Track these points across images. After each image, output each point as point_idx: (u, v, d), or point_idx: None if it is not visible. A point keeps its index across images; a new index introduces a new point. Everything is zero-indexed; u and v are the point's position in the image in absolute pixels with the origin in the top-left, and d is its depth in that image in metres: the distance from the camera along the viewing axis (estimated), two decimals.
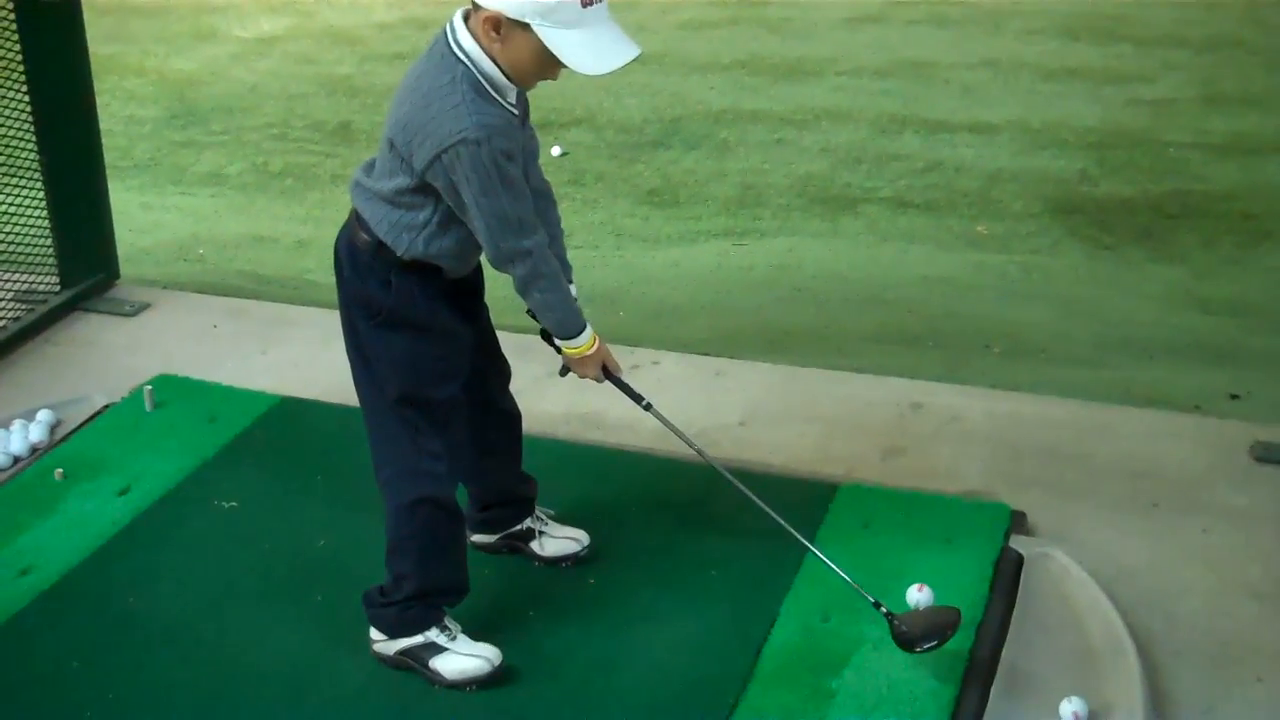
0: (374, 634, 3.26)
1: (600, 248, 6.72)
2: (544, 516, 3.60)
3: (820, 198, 7.22)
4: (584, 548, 3.58)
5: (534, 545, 3.57)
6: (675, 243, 6.81)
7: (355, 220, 3.05)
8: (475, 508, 3.54)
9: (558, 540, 3.56)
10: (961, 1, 10.37)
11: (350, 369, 3.19)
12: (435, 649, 3.18)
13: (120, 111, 8.61)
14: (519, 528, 3.58)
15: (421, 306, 3.06)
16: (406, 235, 2.98)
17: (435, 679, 3.18)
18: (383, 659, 3.25)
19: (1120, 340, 5.42)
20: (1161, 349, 5.30)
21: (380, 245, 3.00)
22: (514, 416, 3.49)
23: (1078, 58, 9.13)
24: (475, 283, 3.24)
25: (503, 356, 3.42)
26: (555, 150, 7.73)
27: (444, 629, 3.20)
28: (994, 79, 8.86)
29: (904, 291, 6.00)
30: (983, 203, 7.08)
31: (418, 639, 3.20)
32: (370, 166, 3.06)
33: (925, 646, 3.09)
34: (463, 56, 2.82)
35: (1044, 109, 8.26)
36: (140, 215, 6.99)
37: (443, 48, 2.85)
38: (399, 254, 2.99)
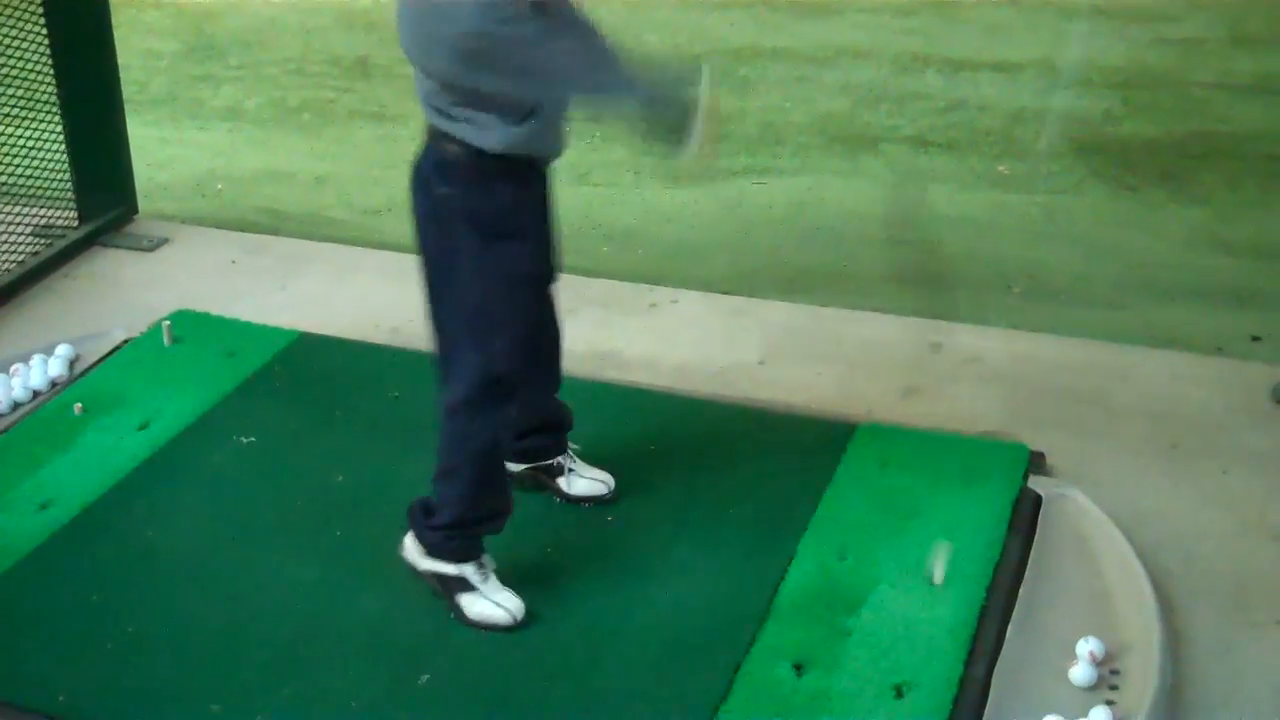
0: (409, 542, 3.24)
1: (618, 185, 6.67)
2: (573, 454, 3.58)
3: (840, 136, 7.16)
4: (610, 490, 3.57)
5: (561, 481, 3.55)
6: (694, 180, 6.77)
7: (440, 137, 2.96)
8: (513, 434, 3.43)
9: (585, 480, 3.55)
10: None
11: (428, 294, 3.10)
12: (466, 585, 3.18)
13: (138, 45, 8.55)
14: (551, 462, 3.55)
15: (524, 209, 3.01)
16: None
17: (454, 611, 3.19)
18: (410, 566, 3.24)
19: (1142, 281, 5.39)
20: (1183, 290, 5.26)
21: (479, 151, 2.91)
22: (559, 331, 3.37)
23: None
24: (548, 178, 3.13)
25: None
26: None
27: (480, 566, 3.19)
28: (1018, 17, 8.76)
29: (924, 231, 5.96)
30: (1005, 142, 7.02)
31: (452, 569, 3.20)
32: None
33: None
34: None
35: (1068, 48, 8.17)
36: (157, 150, 6.96)
37: None
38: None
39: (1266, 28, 8.40)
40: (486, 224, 2.97)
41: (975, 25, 8.67)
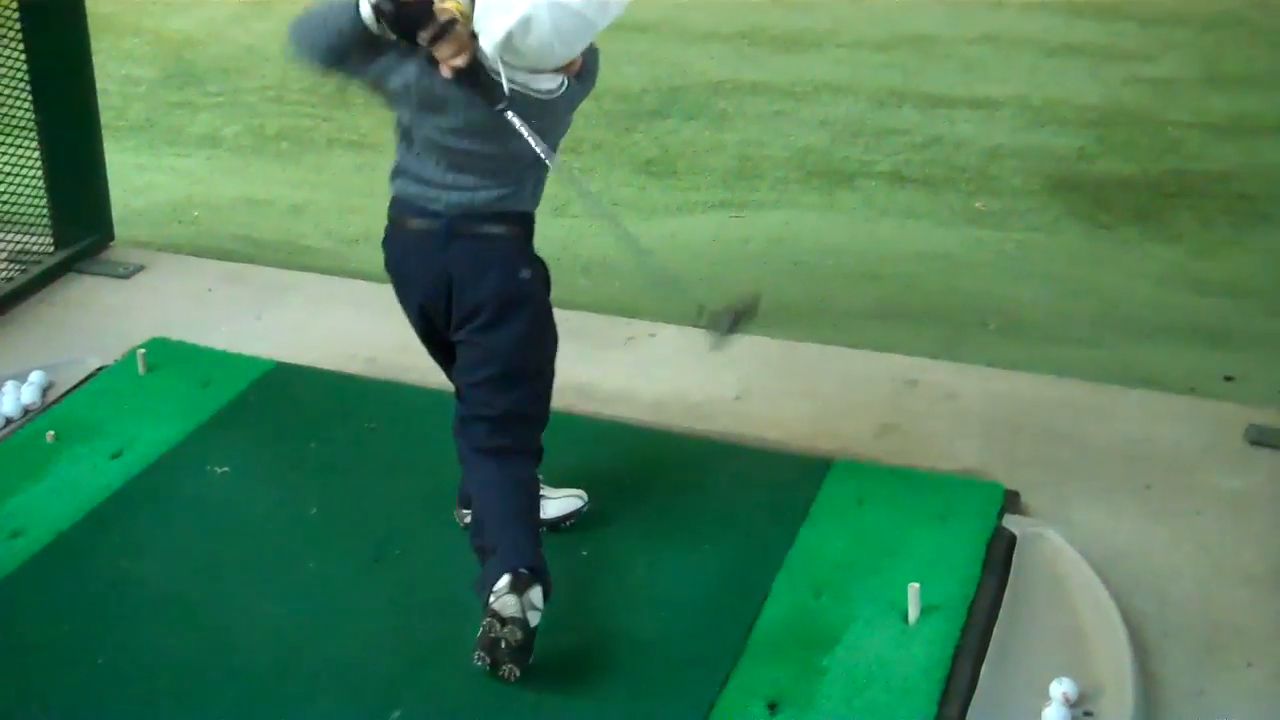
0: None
1: (596, 217, 6.69)
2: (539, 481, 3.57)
3: (818, 171, 7.18)
4: (586, 503, 3.58)
5: None
6: (672, 213, 6.78)
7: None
8: None
9: (558, 500, 3.54)
10: None
11: (514, 352, 3.20)
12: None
13: (116, 71, 8.54)
14: None
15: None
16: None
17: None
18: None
19: (1117, 320, 5.41)
20: (1158, 329, 5.29)
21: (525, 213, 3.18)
22: None
23: (1080, 35, 9.07)
24: None
25: None
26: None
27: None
28: (995, 54, 8.82)
29: (901, 267, 5.98)
30: (981, 179, 7.05)
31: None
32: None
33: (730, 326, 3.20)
34: None
35: (1045, 86, 8.22)
36: (135, 176, 6.95)
37: None
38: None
39: (1240, 68, 8.47)
40: (549, 284, 3.28)
41: (953, 61, 8.72)
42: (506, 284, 3.12)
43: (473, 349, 3.18)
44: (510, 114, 2.94)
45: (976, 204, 6.78)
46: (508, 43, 2.89)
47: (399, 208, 3.17)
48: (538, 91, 3.01)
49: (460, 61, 2.91)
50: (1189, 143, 7.40)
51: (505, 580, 2.99)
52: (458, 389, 3.29)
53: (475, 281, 3.10)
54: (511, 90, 2.96)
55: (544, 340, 3.26)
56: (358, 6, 2.90)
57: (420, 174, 3.09)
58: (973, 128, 7.65)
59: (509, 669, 2.98)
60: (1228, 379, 4.59)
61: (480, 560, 3.15)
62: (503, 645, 2.96)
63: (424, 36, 2.87)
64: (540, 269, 3.23)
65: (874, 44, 8.99)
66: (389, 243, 3.22)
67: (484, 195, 3.08)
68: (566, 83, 3.06)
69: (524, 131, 2.94)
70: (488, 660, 2.96)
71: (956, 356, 4.56)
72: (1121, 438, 3.99)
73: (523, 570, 3.02)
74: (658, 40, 8.89)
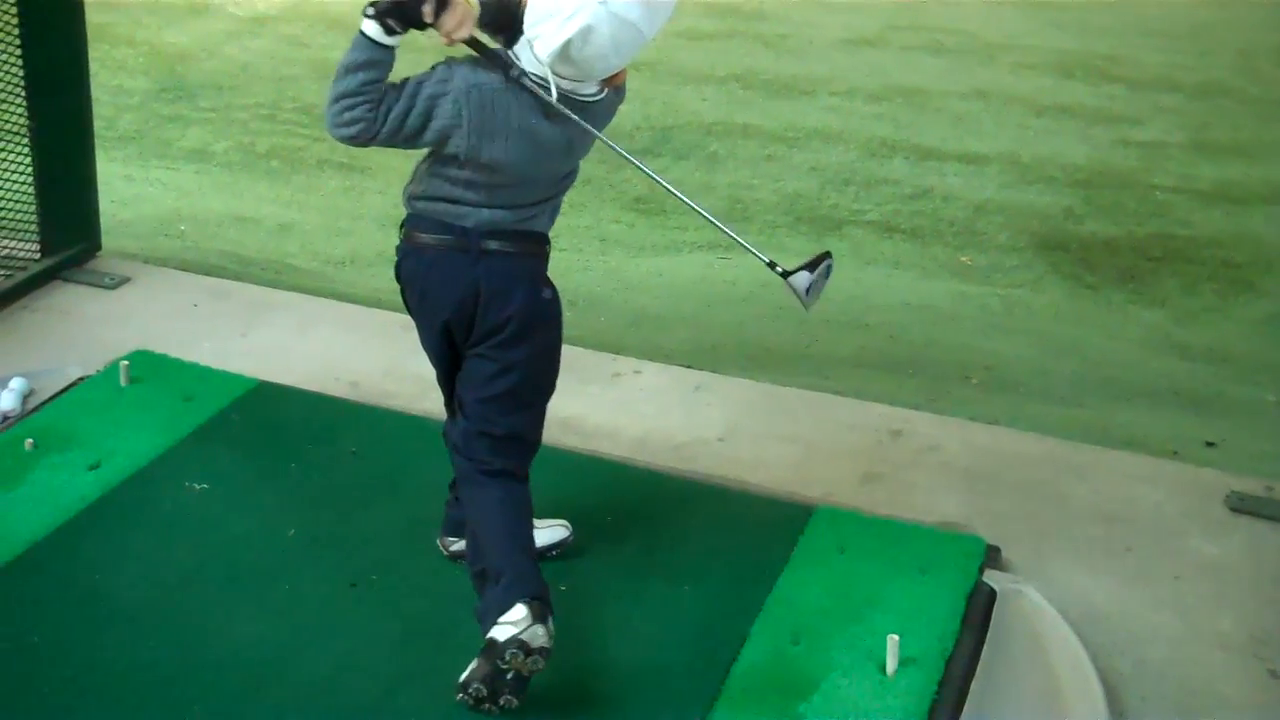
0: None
1: (584, 252, 6.70)
2: None
3: (807, 217, 7.22)
4: (571, 533, 3.57)
5: None
6: (660, 252, 6.80)
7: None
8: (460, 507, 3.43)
9: (544, 531, 3.51)
10: (958, 31, 10.40)
11: (529, 369, 3.21)
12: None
13: (109, 81, 8.54)
14: None
15: None
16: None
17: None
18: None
19: (1099, 380, 5.44)
20: (1139, 392, 5.31)
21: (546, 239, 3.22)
22: None
23: (1070, 95, 9.17)
24: None
25: None
26: None
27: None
28: (985, 111, 8.90)
29: (886, 316, 6.00)
30: (968, 233, 7.10)
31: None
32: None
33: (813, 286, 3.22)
34: None
35: (1034, 144, 8.29)
36: (123, 187, 6.93)
37: None
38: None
39: (1228, 135, 8.56)
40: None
41: (944, 115, 8.79)
42: (532, 301, 3.14)
43: (488, 362, 3.17)
44: (540, 88, 2.97)
45: (963, 258, 6.82)
46: (564, 52, 2.91)
47: (420, 225, 3.14)
48: (582, 95, 3.04)
49: (463, 33, 2.93)
50: (1175, 207, 7.47)
51: (524, 611, 2.96)
52: (461, 404, 3.26)
53: (503, 297, 3.11)
54: (563, 95, 2.99)
55: (554, 362, 3.28)
56: (363, 34, 2.91)
57: (449, 194, 3.08)
58: (961, 182, 7.71)
59: (509, 699, 2.96)
60: (1209, 444, 4.60)
61: (478, 587, 3.13)
62: (510, 675, 2.93)
63: (427, 12, 2.88)
64: (556, 292, 3.25)
65: (867, 94, 9.06)
66: (407, 260, 3.19)
67: (511, 215, 3.10)
68: (604, 92, 3.09)
69: (566, 112, 2.99)
70: (484, 692, 2.93)
71: (939, 409, 4.56)
72: (1102, 498, 4.00)
73: (536, 599, 3.00)
74: (652, 79, 8.93)
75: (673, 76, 9.17)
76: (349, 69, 2.91)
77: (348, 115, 2.93)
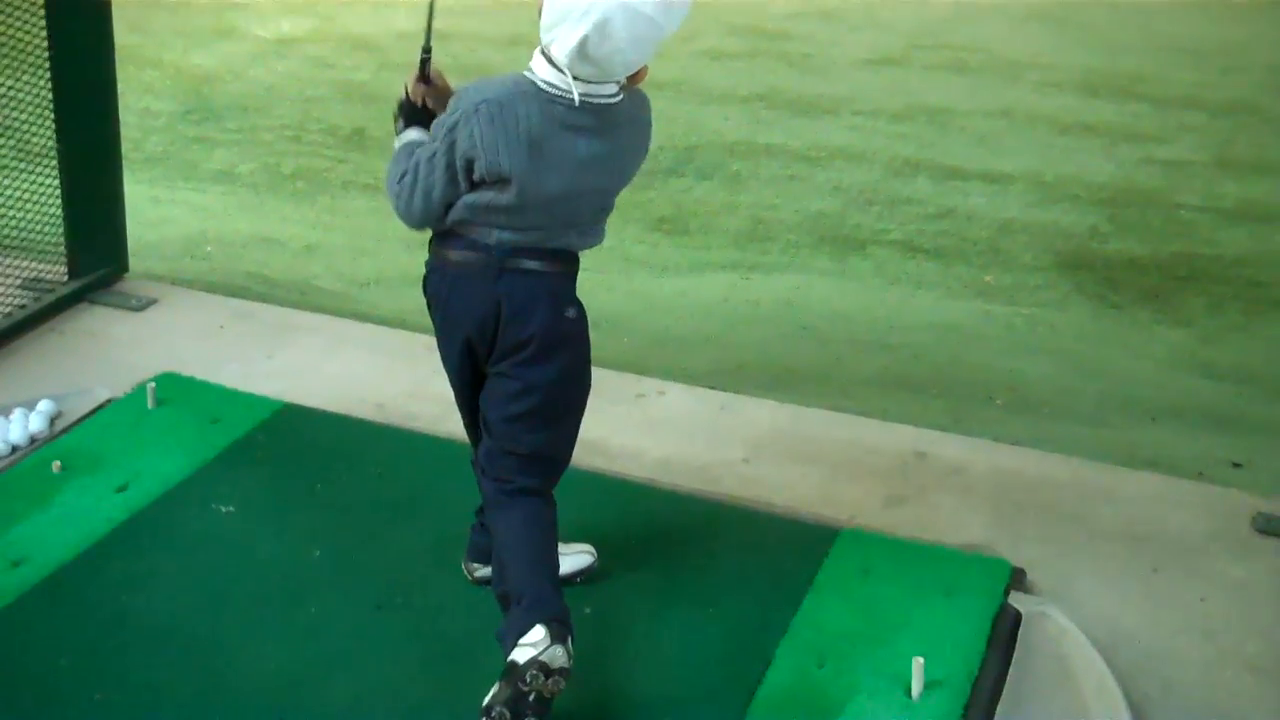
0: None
1: (608, 272, 6.71)
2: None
3: (830, 236, 7.22)
4: (595, 559, 3.57)
5: None
6: (683, 272, 6.81)
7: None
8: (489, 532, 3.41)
9: (569, 558, 3.50)
10: (981, 50, 10.40)
11: (552, 389, 3.19)
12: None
13: (135, 104, 8.60)
14: None
15: None
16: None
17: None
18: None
19: (1124, 400, 5.42)
20: (1165, 411, 5.30)
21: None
22: None
23: (1094, 114, 9.15)
24: None
25: None
26: None
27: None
28: (1009, 129, 8.89)
29: (910, 336, 5.99)
30: (992, 253, 7.09)
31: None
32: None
33: None
34: None
35: (1058, 163, 8.27)
36: (149, 209, 6.98)
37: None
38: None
39: (1252, 153, 8.54)
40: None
41: (968, 134, 8.78)
42: (554, 320, 3.12)
43: (511, 381, 3.16)
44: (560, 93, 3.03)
45: (987, 277, 6.81)
46: (581, 49, 2.90)
47: (447, 242, 3.15)
48: (600, 97, 3.02)
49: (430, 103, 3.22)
50: (1200, 226, 7.45)
51: (543, 632, 2.96)
52: (486, 423, 3.25)
53: (524, 315, 3.10)
54: (582, 99, 2.97)
55: (581, 381, 3.26)
56: (401, 138, 3.22)
57: (475, 211, 3.08)
58: (985, 201, 7.70)
59: None
60: (1235, 465, 4.59)
61: (502, 609, 3.14)
62: (532, 697, 2.92)
63: (429, 104, 3.23)
64: (582, 310, 3.23)
65: (890, 113, 9.06)
66: (432, 277, 3.21)
67: (538, 234, 3.09)
68: (621, 95, 3.07)
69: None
70: (507, 715, 2.92)
71: (963, 429, 4.56)
72: (1128, 519, 3.99)
73: (555, 621, 3.00)
74: (675, 99, 8.96)
75: (696, 96, 9.20)
76: (401, 174, 3.12)
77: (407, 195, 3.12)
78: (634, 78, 3.06)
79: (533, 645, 2.95)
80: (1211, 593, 3.67)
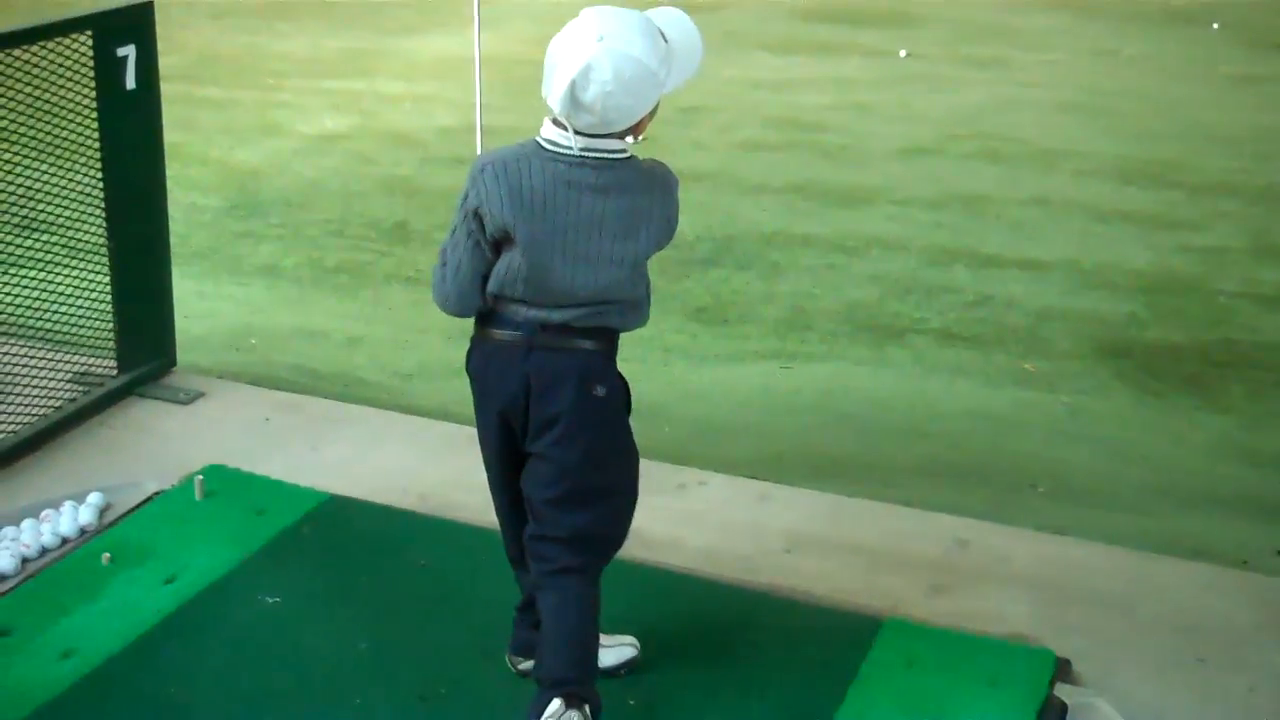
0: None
1: (647, 362, 6.74)
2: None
3: (868, 325, 7.25)
4: (638, 651, 3.58)
5: None
6: (722, 362, 6.84)
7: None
8: (530, 626, 3.43)
9: (612, 650, 3.53)
10: (1015, 139, 10.47)
11: (583, 470, 3.20)
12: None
13: (182, 199, 8.72)
14: None
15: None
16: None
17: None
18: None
19: (1166, 488, 5.40)
20: (1208, 500, 5.28)
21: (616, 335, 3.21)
22: None
23: (1130, 202, 9.18)
24: None
25: None
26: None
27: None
28: (1045, 217, 8.92)
29: (949, 424, 6.00)
30: (1030, 340, 7.09)
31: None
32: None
33: None
34: None
35: (1095, 250, 8.29)
36: (195, 303, 7.07)
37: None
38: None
39: None
40: (628, 404, 3.27)
41: (1003, 222, 8.82)
42: (580, 398, 3.12)
43: (546, 464, 3.18)
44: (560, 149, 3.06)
45: (1026, 365, 6.81)
46: (571, 95, 2.93)
47: (489, 320, 3.19)
48: (606, 152, 3.04)
49: None
50: (1239, 312, 7.44)
51: (558, 704, 3.01)
52: (529, 505, 3.26)
53: (551, 393, 3.11)
54: (583, 151, 3.00)
55: (616, 460, 3.25)
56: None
57: (509, 288, 3.13)
58: (1023, 289, 7.71)
59: None
60: None
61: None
62: None
63: None
64: (620, 386, 3.23)
65: (925, 202, 9.11)
66: (473, 353, 3.25)
67: (567, 313, 3.10)
68: (629, 153, 3.08)
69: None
70: None
71: (1005, 518, 4.55)
72: (1173, 609, 3.97)
73: (571, 695, 3.05)
74: (713, 190, 9.04)
75: (733, 187, 9.28)
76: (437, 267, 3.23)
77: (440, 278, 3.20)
78: (637, 129, 3.06)
79: (549, 717, 3.01)
80: (1260, 683, 3.65)
